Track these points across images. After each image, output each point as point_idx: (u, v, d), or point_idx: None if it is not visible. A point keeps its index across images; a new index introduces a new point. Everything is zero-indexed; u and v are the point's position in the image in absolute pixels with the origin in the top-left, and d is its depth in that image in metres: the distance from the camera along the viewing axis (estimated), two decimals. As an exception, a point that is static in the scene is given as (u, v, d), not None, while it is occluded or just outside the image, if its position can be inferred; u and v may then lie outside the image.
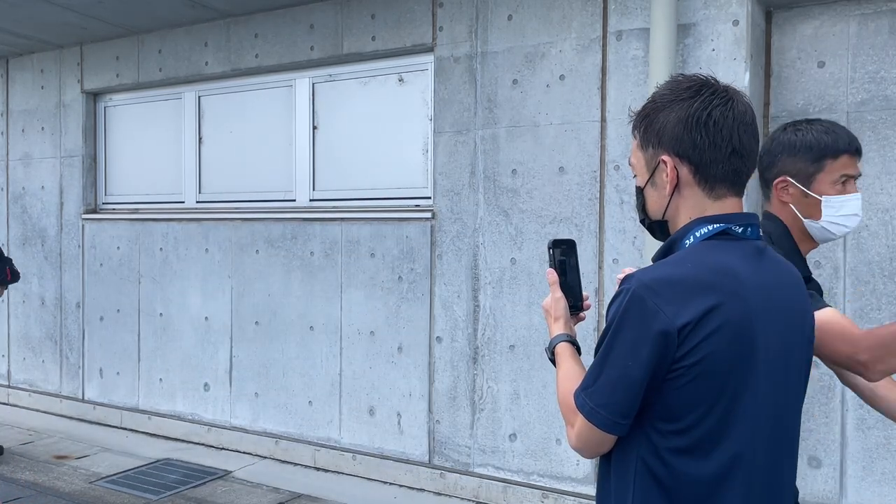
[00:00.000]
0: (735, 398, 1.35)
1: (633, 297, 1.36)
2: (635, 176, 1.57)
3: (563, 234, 4.40)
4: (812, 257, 4.00)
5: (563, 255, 1.69)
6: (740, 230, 1.43)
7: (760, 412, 1.39)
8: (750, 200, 3.87)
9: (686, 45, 4.01)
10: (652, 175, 1.50)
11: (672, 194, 1.47)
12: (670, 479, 1.37)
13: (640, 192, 1.56)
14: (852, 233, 3.88)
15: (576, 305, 1.68)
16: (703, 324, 1.32)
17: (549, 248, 1.69)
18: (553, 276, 1.66)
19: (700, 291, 1.33)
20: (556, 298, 1.65)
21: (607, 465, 1.49)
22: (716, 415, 1.34)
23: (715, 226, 1.43)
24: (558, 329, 1.63)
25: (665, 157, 1.45)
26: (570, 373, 1.53)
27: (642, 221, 1.58)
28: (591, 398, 1.40)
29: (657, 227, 1.55)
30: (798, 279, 1.54)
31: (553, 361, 1.62)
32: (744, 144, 1.42)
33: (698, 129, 1.41)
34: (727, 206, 1.45)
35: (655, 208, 1.53)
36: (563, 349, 1.60)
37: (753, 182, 4.01)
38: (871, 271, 3.88)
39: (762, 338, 1.37)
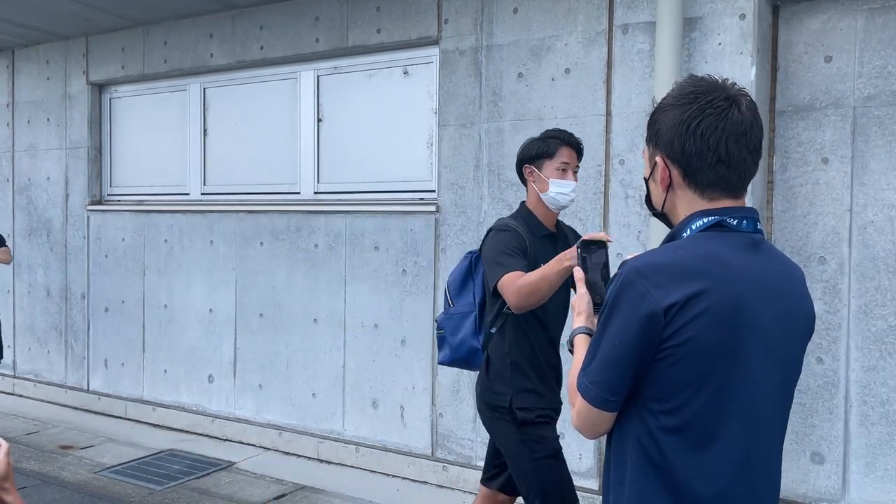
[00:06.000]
0: (724, 381, 1.41)
1: (625, 280, 1.44)
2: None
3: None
4: (816, 253, 3.99)
5: (589, 254, 1.77)
6: (735, 222, 1.49)
7: (755, 397, 1.44)
8: (755, 198, 3.86)
9: (692, 39, 3.99)
10: (652, 171, 1.58)
11: (666, 192, 1.55)
12: (662, 459, 1.43)
13: (646, 182, 1.65)
14: (858, 229, 3.88)
15: (602, 303, 1.73)
16: (690, 306, 1.38)
17: (577, 248, 1.77)
18: (579, 272, 1.74)
19: (688, 276, 1.40)
20: (580, 294, 1.73)
21: (609, 448, 1.57)
22: (705, 396, 1.40)
23: (710, 218, 1.49)
24: (580, 322, 1.70)
25: (658, 158, 1.53)
26: (581, 361, 1.59)
27: (649, 209, 1.67)
28: (586, 376, 1.49)
29: (660, 217, 1.64)
30: (797, 271, 1.59)
31: (572, 353, 1.69)
32: (731, 155, 1.46)
33: (688, 136, 1.47)
34: (722, 205, 1.50)
35: (655, 201, 1.62)
36: (581, 340, 1.67)
37: (758, 179, 3.98)
38: (877, 267, 3.86)
39: (752, 325, 1.42)
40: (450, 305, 3.00)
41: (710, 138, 1.45)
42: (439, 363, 2.62)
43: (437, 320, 2.83)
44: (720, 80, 1.50)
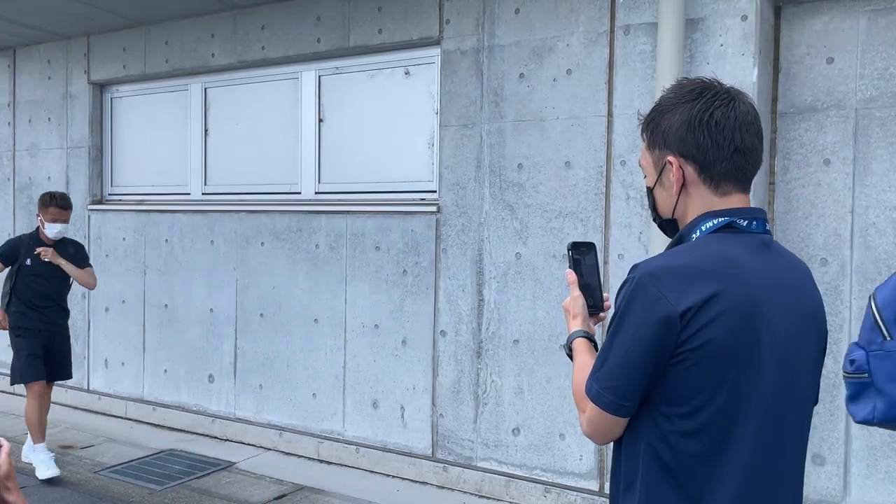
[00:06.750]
0: (739, 384, 1.39)
1: (638, 284, 1.42)
2: (646, 177, 1.63)
3: (569, 229, 4.39)
4: (818, 254, 3.98)
5: (581, 257, 1.74)
6: (745, 223, 1.48)
7: (768, 399, 1.43)
8: (757, 199, 3.85)
9: (694, 40, 3.98)
10: (660, 175, 1.56)
11: (679, 193, 1.53)
12: (675, 462, 1.42)
13: (650, 192, 1.62)
14: (859, 230, 3.87)
15: (595, 305, 1.73)
16: (705, 310, 1.37)
17: (568, 250, 1.75)
18: (572, 276, 1.72)
19: (702, 279, 1.39)
20: (574, 297, 1.71)
21: (618, 452, 1.54)
22: (720, 399, 1.39)
23: (720, 219, 1.48)
24: (576, 326, 1.68)
25: (671, 158, 1.51)
26: (585, 365, 1.57)
27: (655, 220, 1.64)
28: (597, 382, 1.46)
29: (668, 226, 1.60)
30: (807, 273, 1.57)
31: (571, 357, 1.67)
32: (746, 143, 1.48)
33: (701, 129, 1.47)
34: (733, 202, 1.50)
35: (665, 207, 1.58)
36: (580, 344, 1.65)
37: (760, 180, 3.98)
38: (878, 269, 3.86)
39: (766, 326, 1.41)
40: (883, 337, 1.86)
41: (725, 128, 1.46)
42: (860, 421, 1.81)
43: (854, 358, 1.84)
44: (713, 79, 1.52)
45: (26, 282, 5.12)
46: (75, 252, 5.30)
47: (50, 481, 4.89)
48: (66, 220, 5.15)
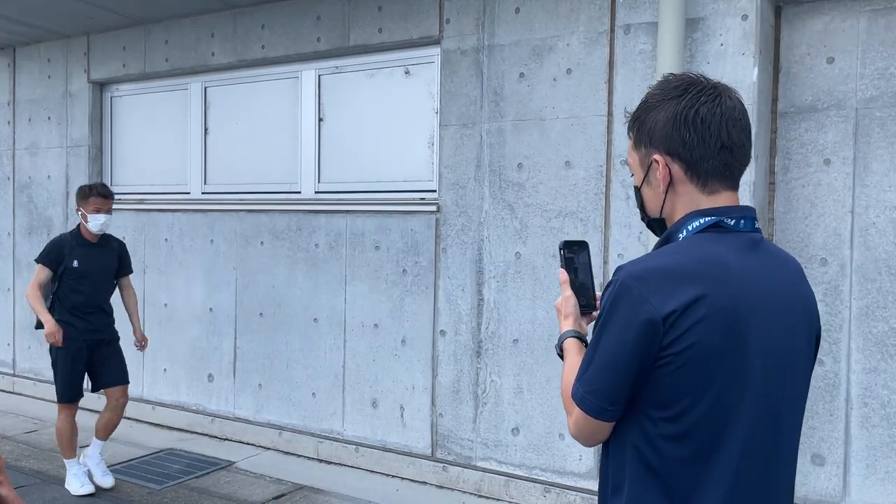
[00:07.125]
0: (726, 387, 1.37)
1: (622, 286, 1.40)
2: (633, 175, 1.60)
3: (568, 229, 4.39)
4: (818, 254, 3.98)
5: (573, 255, 1.72)
6: (732, 222, 1.45)
7: (758, 402, 1.40)
8: (757, 199, 3.85)
9: (694, 40, 3.98)
10: (647, 174, 1.53)
11: (666, 192, 1.50)
12: (662, 466, 1.40)
13: (637, 191, 1.59)
14: (859, 230, 3.87)
15: (588, 304, 1.71)
16: (689, 313, 1.34)
17: (560, 249, 1.72)
18: (564, 275, 1.70)
19: (687, 281, 1.36)
20: (566, 297, 1.69)
21: (606, 456, 1.53)
22: (706, 402, 1.37)
23: (707, 218, 1.45)
24: (567, 326, 1.66)
25: (657, 156, 1.48)
26: (574, 366, 1.56)
27: (643, 219, 1.61)
28: (582, 386, 1.45)
29: (656, 225, 1.58)
30: (799, 271, 1.55)
31: (562, 357, 1.66)
32: (733, 139, 1.45)
33: (686, 126, 1.44)
34: (721, 200, 1.47)
35: (652, 206, 1.55)
36: (570, 344, 1.63)
37: (760, 180, 3.97)
38: (878, 269, 3.85)
39: (754, 328, 1.39)
40: None
41: (711, 125, 1.43)
42: None
43: None
44: (699, 75, 1.50)
45: (72, 285, 4.66)
46: (119, 249, 4.93)
47: (49, 481, 4.88)
48: (109, 211, 4.69)
